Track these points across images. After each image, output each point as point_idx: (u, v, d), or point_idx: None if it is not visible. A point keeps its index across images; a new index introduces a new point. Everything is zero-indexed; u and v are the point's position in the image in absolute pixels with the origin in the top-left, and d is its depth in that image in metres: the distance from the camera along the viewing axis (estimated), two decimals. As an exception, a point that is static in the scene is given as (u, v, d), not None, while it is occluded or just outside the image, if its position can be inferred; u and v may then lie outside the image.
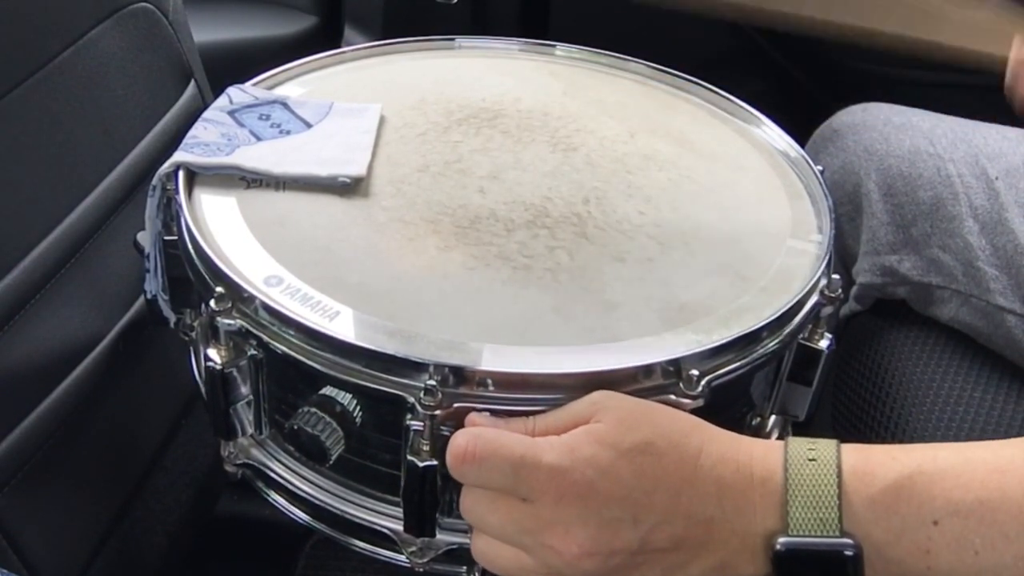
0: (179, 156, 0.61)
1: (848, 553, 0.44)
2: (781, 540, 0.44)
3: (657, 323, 0.54)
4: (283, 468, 0.59)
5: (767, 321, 0.54)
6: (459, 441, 0.47)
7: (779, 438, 0.65)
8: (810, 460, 0.45)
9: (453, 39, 0.82)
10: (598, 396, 0.48)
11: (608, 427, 0.46)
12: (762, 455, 0.46)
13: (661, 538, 0.45)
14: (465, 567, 0.56)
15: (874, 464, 0.45)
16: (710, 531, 0.45)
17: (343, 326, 0.52)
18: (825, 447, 0.46)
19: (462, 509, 0.49)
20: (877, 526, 0.44)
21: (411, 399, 0.49)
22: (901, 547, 0.44)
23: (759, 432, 0.65)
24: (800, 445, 0.46)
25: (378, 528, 0.56)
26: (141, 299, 0.70)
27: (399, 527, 0.55)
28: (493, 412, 0.49)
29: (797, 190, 0.68)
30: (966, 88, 1.11)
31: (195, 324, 0.66)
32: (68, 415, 0.68)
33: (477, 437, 0.47)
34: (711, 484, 0.45)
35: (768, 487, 0.45)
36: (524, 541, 0.46)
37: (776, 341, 0.55)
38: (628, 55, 0.81)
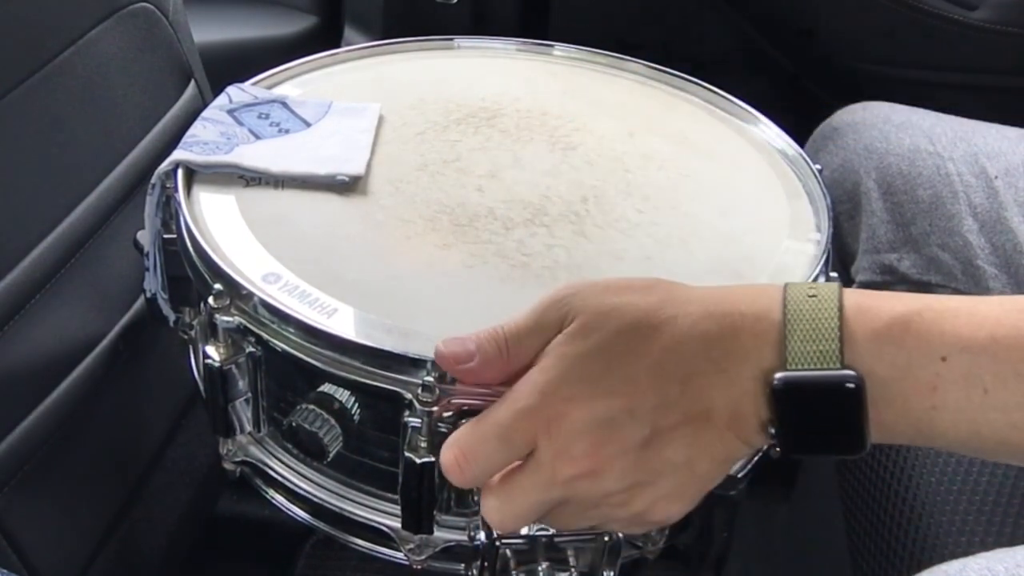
0: (178, 154, 0.62)
1: (849, 385, 0.41)
2: (778, 375, 0.42)
3: (655, 320, 0.54)
4: (282, 466, 0.59)
5: (765, 318, 0.54)
6: (447, 456, 0.45)
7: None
8: (810, 296, 0.43)
9: (452, 39, 0.82)
10: (564, 295, 0.45)
11: (573, 334, 0.44)
12: (751, 300, 0.44)
13: (665, 418, 0.43)
14: (463, 564, 0.56)
15: (880, 300, 0.43)
16: (708, 393, 0.43)
17: (341, 323, 0.52)
18: (827, 287, 0.44)
19: (496, 526, 0.47)
20: (881, 360, 0.41)
21: (409, 395, 0.49)
22: (906, 383, 0.41)
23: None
24: (800, 286, 0.44)
25: (376, 525, 0.56)
26: (141, 299, 0.70)
27: (397, 524, 0.55)
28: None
29: (795, 189, 0.68)
30: (966, 88, 1.11)
31: (194, 322, 0.66)
32: (68, 415, 0.68)
33: (456, 442, 0.45)
34: (694, 342, 0.43)
35: (761, 325, 0.43)
36: (554, 495, 0.44)
37: (774, 338, 0.55)
38: (628, 55, 0.82)
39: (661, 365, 0.43)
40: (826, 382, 0.41)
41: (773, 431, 0.42)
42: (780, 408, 0.42)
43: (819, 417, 0.42)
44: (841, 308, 0.42)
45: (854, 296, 0.43)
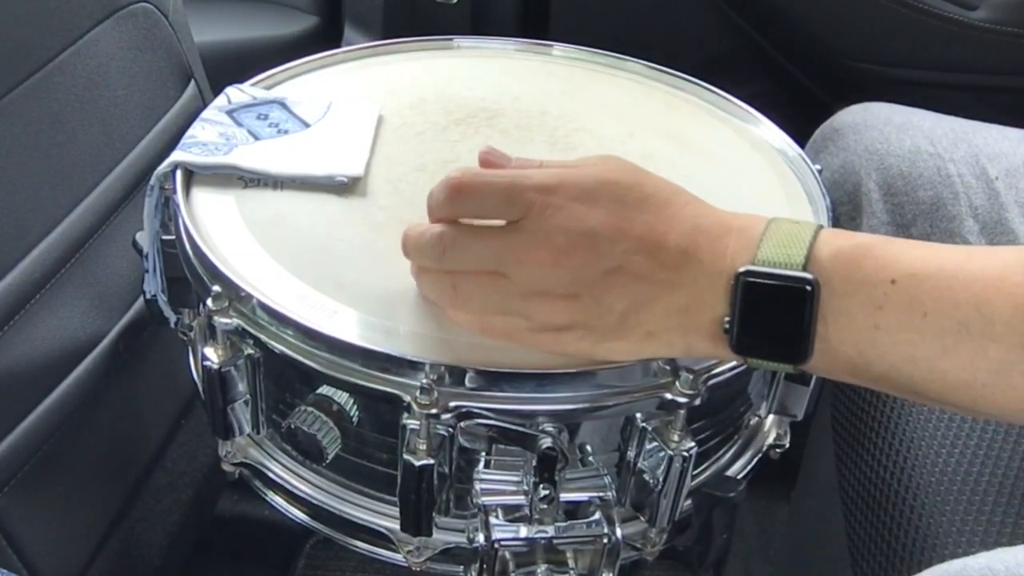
0: (177, 156, 0.61)
1: (806, 287, 0.45)
2: (743, 267, 0.46)
3: (654, 322, 0.54)
4: (281, 468, 0.59)
5: (764, 320, 0.53)
6: (453, 176, 0.50)
7: (777, 437, 0.65)
8: (794, 223, 0.48)
9: (451, 39, 0.82)
10: (601, 156, 0.51)
11: (603, 166, 0.50)
12: (744, 217, 0.49)
13: (637, 264, 0.47)
14: (462, 566, 0.56)
15: (855, 234, 0.48)
16: (680, 268, 0.47)
17: (340, 325, 0.52)
18: (811, 222, 0.48)
19: (453, 304, 0.51)
20: (837, 274, 0.46)
21: (407, 398, 0.49)
22: (855, 300, 0.45)
23: (757, 432, 0.65)
24: (788, 219, 0.49)
25: (375, 528, 0.56)
26: (141, 299, 0.70)
27: (396, 526, 0.55)
28: (490, 411, 0.50)
29: (795, 190, 0.68)
30: (966, 88, 1.11)
31: (193, 324, 0.66)
32: (68, 415, 0.68)
33: (468, 170, 0.50)
34: (688, 223, 0.48)
35: (745, 234, 0.47)
36: (505, 257, 0.48)
37: (773, 340, 0.55)
38: (628, 55, 0.81)
39: (654, 228, 0.48)
40: (784, 279, 0.46)
41: (727, 325, 0.46)
42: (739, 300, 0.46)
43: (771, 314, 0.46)
44: (816, 231, 0.47)
45: (833, 230, 0.48)
